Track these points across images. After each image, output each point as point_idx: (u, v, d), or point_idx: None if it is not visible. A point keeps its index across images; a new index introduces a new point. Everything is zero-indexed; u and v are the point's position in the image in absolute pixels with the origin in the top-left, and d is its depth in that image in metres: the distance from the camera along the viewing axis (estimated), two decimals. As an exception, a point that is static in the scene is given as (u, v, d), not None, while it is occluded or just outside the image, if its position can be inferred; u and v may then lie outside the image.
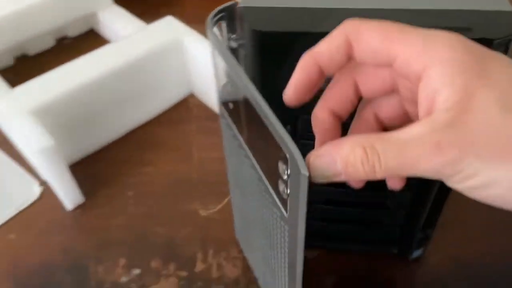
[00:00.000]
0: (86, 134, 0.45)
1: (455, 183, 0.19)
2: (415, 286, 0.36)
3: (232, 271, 0.38)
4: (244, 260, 0.38)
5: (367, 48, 0.20)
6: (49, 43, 0.57)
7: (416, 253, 0.36)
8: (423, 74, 0.19)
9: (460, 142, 0.18)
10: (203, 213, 0.42)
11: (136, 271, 0.38)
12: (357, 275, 0.37)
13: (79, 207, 0.42)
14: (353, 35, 0.20)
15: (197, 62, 0.48)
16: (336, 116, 0.23)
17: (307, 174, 0.18)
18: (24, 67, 0.56)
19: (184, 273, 0.37)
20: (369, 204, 0.33)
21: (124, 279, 0.37)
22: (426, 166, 0.18)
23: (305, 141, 0.32)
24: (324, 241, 0.37)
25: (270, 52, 0.24)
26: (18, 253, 0.39)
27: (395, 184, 0.24)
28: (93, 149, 0.47)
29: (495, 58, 0.19)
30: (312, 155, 0.20)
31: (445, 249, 0.37)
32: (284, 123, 0.19)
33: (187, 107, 0.51)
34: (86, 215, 0.42)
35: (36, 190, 0.43)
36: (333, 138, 0.23)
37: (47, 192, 0.43)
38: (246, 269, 0.38)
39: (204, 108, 0.51)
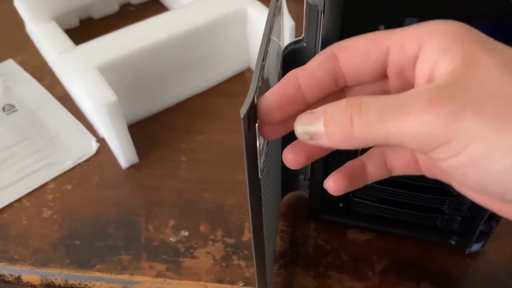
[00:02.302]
0: (143, 97, 0.46)
1: (440, 157, 0.17)
2: (470, 281, 0.35)
3: (279, 244, 0.37)
4: (291, 234, 0.38)
5: (355, 51, 0.19)
6: (114, 8, 0.59)
7: (475, 247, 0.34)
8: (420, 53, 0.18)
9: (458, 97, 0.16)
10: (253, 184, 0.41)
11: (185, 233, 0.38)
12: (408, 262, 0.36)
13: (133, 167, 0.43)
14: (339, 47, 0.20)
15: (259, 36, 0.47)
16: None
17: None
18: (87, 29, 0.57)
19: (231, 240, 0.38)
20: (432, 189, 0.32)
21: (172, 239, 0.38)
22: (413, 124, 0.16)
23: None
24: (378, 224, 0.36)
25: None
26: (73, 203, 0.40)
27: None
28: (149, 113, 0.47)
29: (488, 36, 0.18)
30: (304, 114, 0.19)
31: (505, 246, 0.36)
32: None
33: (243, 81, 0.51)
34: (140, 174, 0.43)
35: (93, 146, 0.44)
36: None
37: (103, 149, 0.44)
38: (294, 243, 0.37)
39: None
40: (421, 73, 0.18)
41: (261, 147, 0.22)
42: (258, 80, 0.19)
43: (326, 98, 0.21)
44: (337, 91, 0.21)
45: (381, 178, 0.24)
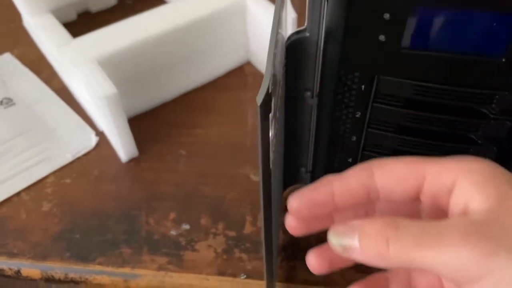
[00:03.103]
0: (142, 91, 0.46)
1: None
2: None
3: (281, 237, 0.37)
4: (293, 227, 0.38)
5: (392, 173, 0.20)
6: (111, 1, 0.58)
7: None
8: (455, 186, 0.19)
9: (492, 235, 0.17)
10: (254, 178, 0.41)
11: (186, 226, 0.38)
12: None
13: (133, 160, 0.43)
14: (377, 166, 0.21)
15: (258, 29, 0.47)
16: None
17: None
18: (85, 23, 0.57)
19: (232, 233, 0.37)
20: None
21: (173, 232, 0.37)
22: (449, 255, 0.17)
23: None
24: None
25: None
26: (73, 197, 0.40)
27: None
28: (148, 106, 0.47)
29: None
30: (339, 226, 0.20)
31: None
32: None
33: (243, 75, 0.51)
34: (139, 168, 0.42)
35: (92, 140, 0.44)
36: None
37: (102, 143, 0.44)
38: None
39: (260, 77, 0.50)
40: (455, 204, 0.19)
41: (272, 138, 0.22)
42: (272, 67, 0.19)
43: (356, 205, 0.22)
44: (368, 202, 0.22)
45: None
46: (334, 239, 0.20)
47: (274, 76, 0.20)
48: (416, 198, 0.21)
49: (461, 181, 0.19)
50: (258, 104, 0.18)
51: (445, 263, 0.17)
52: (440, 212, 0.21)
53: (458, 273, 0.17)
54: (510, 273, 0.16)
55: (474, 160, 0.20)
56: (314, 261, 0.24)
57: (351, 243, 0.19)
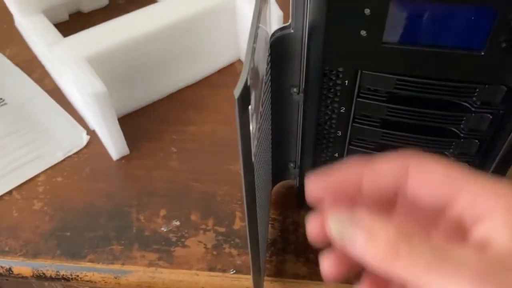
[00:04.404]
0: (133, 89, 0.46)
1: None
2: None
3: (270, 232, 0.38)
4: (282, 221, 0.38)
5: (429, 177, 0.19)
6: (103, 1, 0.58)
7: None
8: (487, 217, 0.18)
9: (505, 280, 0.16)
10: (244, 174, 0.42)
11: (176, 222, 0.38)
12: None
13: (124, 158, 0.43)
14: (416, 162, 0.19)
15: (248, 26, 0.47)
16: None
17: None
18: (77, 23, 0.57)
19: (222, 229, 0.38)
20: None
21: (163, 228, 0.38)
22: (455, 286, 0.16)
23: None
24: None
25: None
26: (64, 195, 0.40)
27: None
28: (139, 104, 0.47)
29: None
30: (345, 213, 0.18)
31: None
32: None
33: (234, 73, 0.51)
34: (130, 166, 0.43)
35: (84, 138, 0.44)
36: None
37: (93, 141, 0.44)
38: (284, 230, 0.37)
39: (250, 74, 0.51)
40: (480, 232, 0.18)
41: (253, 131, 0.22)
42: (251, 61, 0.19)
43: (381, 199, 0.20)
44: (393, 197, 0.20)
45: None
46: (335, 226, 0.18)
47: (253, 69, 0.20)
48: (441, 211, 0.19)
49: (496, 215, 0.18)
50: (236, 97, 0.18)
51: None
52: (458, 230, 0.19)
53: None
54: None
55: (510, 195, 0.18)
56: (331, 268, 0.20)
57: (355, 238, 0.18)
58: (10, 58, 0.52)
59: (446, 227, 0.20)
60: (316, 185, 0.20)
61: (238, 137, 0.20)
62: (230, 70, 0.52)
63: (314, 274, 0.35)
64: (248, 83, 0.19)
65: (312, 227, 0.20)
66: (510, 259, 0.17)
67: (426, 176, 0.19)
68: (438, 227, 0.20)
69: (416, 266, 0.17)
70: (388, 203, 0.21)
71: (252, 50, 0.20)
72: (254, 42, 0.20)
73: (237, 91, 0.18)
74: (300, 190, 0.38)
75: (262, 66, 0.27)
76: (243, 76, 0.19)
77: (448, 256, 0.17)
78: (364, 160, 0.20)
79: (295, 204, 0.39)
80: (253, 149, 0.22)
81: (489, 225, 0.18)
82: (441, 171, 0.19)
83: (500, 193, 0.18)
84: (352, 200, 0.20)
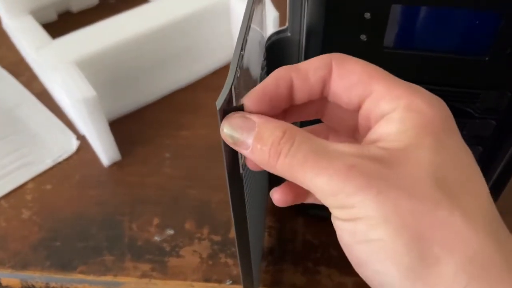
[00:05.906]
0: (125, 93, 0.45)
1: (335, 215, 0.18)
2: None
3: (267, 240, 0.37)
4: (279, 229, 0.37)
5: (347, 76, 0.19)
6: (93, 1, 0.57)
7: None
8: (388, 115, 0.18)
9: (378, 174, 0.17)
10: (239, 180, 0.41)
11: (170, 231, 0.37)
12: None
13: (115, 164, 0.42)
14: (338, 60, 0.19)
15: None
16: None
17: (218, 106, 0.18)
18: (66, 24, 0.55)
19: (217, 238, 0.37)
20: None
21: (157, 238, 0.37)
22: (324, 180, 0.17)
23: None
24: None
25: None
26: (54, 204, 0.39)
27: None
28: (131, 108, 0.46)
29: (459, 138, 0.18)
30: (236, 117, 0.19)
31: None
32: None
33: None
34: (122, 172, 0.41)
35: (73, 144, 0.43)
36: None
37: (84, 147, 0.43)
38: (282, 238, 0.36)
39: (245, 76, 0.50)
40: (376, 131, 0.19)
41: None
42: (236, 70, 0.18)
43: (310, 102, 0.21)
44: (321, 98, 0.21)
45: None
46: (227, 130, 0.18)
47: (240, 78, 0.19)
48: (357, 111, 0.20)
49: (396, 114, 0.18)
50: (217, 108, 0.17)
51: (318, 186, 0.17)
52: (366, 130, 0.20)
53: (325, 198, 0.17)
54: (370, 211, 0.16)
55: (426, 98, 0.18)
56: (279, 196, 0.22)
57: (244, 140, 0.18)
58: (-3, 60, 0.51)
59: (360, 128, 0.20)
60: (253, 102, 0.19)
61: (222, 148, 0.19)
62: (225, 72, 0.50)
63: (313, 284, 0.34)
64: (233, 92, 0.18)
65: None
66: (392, 153, 0.17)
67: (346, 73, 0.19)
68: (358, 130, 0.21)
69: (293, 166, 0.18)
70: (318, 110, 0.22)
71: (239, 58, 0.19)
72: (242, 49, 0.19)
73: (219, 101, 0.17)
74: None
75: (256, 71, 0.26)
76: (227, 86, 0.17)
77: (324, 152, 0.17)
78: (291, 66, 0.20)
79: (293, 212, 0.38)
80: (242, 160, 0.21)
81: (385, 125, 0.18)
82: (359, 69, 0.19)
83: (403, 95, 0.18)
84: (286, 111, 0.21)
